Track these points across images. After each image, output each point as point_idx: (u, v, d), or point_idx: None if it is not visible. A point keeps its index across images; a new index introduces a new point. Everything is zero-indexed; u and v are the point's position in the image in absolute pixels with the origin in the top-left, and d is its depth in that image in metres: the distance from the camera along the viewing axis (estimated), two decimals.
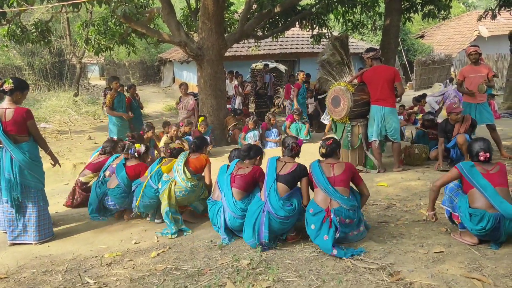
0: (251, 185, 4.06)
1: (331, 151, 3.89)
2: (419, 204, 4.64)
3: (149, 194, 4.59)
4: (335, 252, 3.38)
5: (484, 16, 12.82)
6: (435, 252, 3.39)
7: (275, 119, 9.20)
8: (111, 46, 10.25)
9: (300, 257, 3.43)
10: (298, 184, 3.94)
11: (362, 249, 3.47)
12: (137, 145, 5.13)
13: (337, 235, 3.45)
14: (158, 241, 4.16)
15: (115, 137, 6.57)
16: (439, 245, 3.54)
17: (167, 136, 7.83)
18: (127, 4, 7.29)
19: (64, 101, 14.91)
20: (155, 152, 7.51)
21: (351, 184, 3.86)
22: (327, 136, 4.10)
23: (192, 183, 4.45)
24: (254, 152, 4.27)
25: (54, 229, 4.56)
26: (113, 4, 7.18)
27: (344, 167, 3.78)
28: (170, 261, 3.59)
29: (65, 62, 19.71)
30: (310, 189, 3.91)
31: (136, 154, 5.06)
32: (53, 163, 4.63)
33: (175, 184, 4.45)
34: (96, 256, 3.85)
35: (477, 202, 3.44)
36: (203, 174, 4.73)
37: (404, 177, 5.77)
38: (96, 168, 5.55)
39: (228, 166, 4.29)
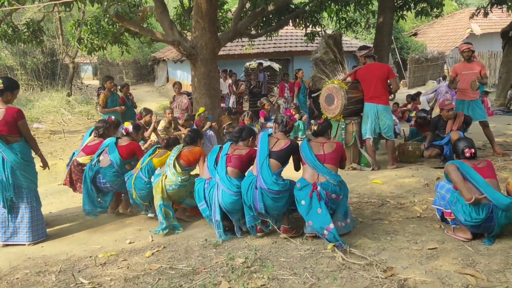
0: (247, 165, 4.11)
1: (322, 129, 4.02)
2: (413, 201, 4.66)
3: (139, 186, 4.60)
4: (332, 226, 3.42)
5: (476, 14, 12.87)
6: (429, 249, 3.41)
7: (269, 105, 9.33)
8: (104, 45, 10.17)
9: (295, 255, 3.44)
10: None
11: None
12: (126, 123, 5.10)
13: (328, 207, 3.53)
14: (152, 240, 4.15)
15: (112, 118, 6.43)
16: (433, 241, 3.56)
17: (165, 120, 7.85)
18: (119, 3, 7.23)
19: (57, 101, 14.78)
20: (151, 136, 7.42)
21: None
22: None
23: (182, 178, 4.44)
24: (246, 133, 4.30)
25: (48, 230, 4.53)
26: (105, 3, 7.11)
27: (335, 147, 3.89)
28: (164, 260, 3.58)
29: (58, 62, 19.55)
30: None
31: (124, 131, 5.01)
32: (42, 165, 4.59)
33: (166, 177, 4.44)
34: (90, 256, 3.83)
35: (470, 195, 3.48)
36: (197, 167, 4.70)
37: (398, 175, 5.79)
38: (91, 150, 5.46)
39: (220, 147, 4.33)
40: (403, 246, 3.50)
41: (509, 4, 11.46)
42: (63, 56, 19.28)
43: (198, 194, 4.16)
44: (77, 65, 20.17)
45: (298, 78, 10.13)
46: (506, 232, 3.58)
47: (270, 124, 9.06)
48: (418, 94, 11.06)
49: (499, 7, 12.16)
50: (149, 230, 4.39)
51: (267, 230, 3.90)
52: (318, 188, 3.59)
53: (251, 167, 3.99)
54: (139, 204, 4.78)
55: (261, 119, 9.33)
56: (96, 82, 25.60)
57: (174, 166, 4.46)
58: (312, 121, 4.09)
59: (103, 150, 5.10)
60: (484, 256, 3.23)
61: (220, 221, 3.94)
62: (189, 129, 7.81)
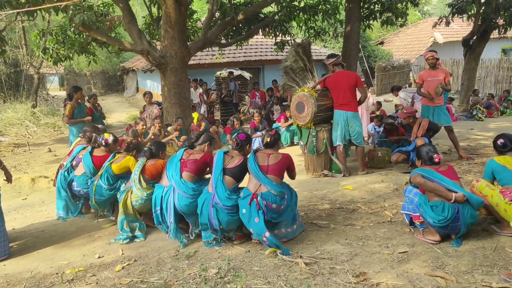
0: (203, 170, 4.25)
1: (274, 140, 4.09)
2: (384, 206, 4.74)
3: (99, 191, 4.75)
4: (267, 234, 3.55)
5: (438, 23, 13.36)
6: (399, 252, 3.46)
7: (239, 123, 9.46)
8: (71, 55, 9.92)
9: (268, 264, 3.42)
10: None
11: (288, 250, 3.58)
12: (106, 134, 5.25)
13: (266, 217, 3.62)
14: (123, 254, 4.03)
15: (100, 126, 6.38)
16: (403, 245, 3.62)
17: (155, 129, 7.91)
18: (85, 12, 7.09)
19: (21, 113, 14.31)
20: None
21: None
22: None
23: (148, 192, 4.47)
24: (204, 138, 4.44)
25: (11, 246, 4.33)
26: (70, 12, 6.95)
27: (280, 159, 3.94)
28: (135, 274, 3.49)
29: (22, 72, 18.98)
30: None
31: (103, 142, 5.17)
32: (6, 179, 4.43)
33: (132, 193, 4.50)
34: (56, 273, 3.68)
35: (436, 196, 3.57)
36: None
37: (369, 180, 5.88)
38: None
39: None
40: (375, 251, 3.54)
41: (469, 13, 11.97)
42: (28, 66, 18.69)
43: (155, 200, 4.25)
44: (42, 75, 19.64)
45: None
46: (473, 234, 3.69)
47: (258, 133, 9.35)
48: (398, 88, 11.40)
49: (459, 16, 12.68)
50: (109, 240, 4.38)
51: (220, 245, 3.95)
52: (258, 198, 3.68)
53: (208, 176, 4.02)
54: (95, 209, 4.97)
55: (251, 130, 9.59)
56: (63, 93, 24.95)
57: (140, 181, 4.49)
58: (264, 132, 4.16)
59: (76, 155, 5.29)
60: (453, 258, 3.31)
61: (174, 223, 4.05)
62: (177, 132, 7.92)
